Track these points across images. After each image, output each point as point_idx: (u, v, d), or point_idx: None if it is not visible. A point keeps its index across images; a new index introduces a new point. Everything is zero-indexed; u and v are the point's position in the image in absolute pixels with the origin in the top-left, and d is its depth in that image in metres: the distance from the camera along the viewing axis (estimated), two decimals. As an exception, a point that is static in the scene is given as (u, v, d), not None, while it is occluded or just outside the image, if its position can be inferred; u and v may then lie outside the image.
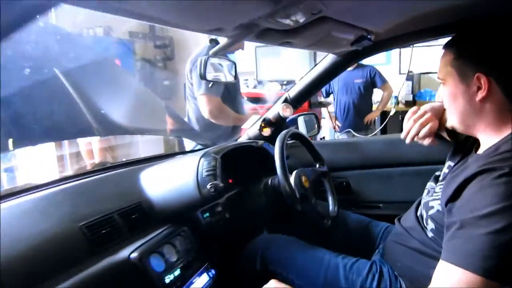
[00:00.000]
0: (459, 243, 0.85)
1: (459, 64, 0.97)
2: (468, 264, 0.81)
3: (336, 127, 3.97)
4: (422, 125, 1.18)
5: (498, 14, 1.07)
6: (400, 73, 4.90)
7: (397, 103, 4.41)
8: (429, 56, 4.53)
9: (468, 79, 0.96)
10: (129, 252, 1.03)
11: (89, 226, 1.01)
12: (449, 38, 1.05)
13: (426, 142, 1.20)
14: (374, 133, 3.06)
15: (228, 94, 2.33)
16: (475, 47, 0.96)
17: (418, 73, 4.80)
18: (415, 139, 1.21)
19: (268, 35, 1.01)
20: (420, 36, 1.32)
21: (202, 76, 1.09)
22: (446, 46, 1.02)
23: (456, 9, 1.09)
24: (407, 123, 1.22)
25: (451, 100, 1.01)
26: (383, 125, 2.17)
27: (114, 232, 1.06)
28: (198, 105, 2.31)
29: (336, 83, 3.89)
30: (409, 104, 4.51)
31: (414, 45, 1.67)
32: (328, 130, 4.56)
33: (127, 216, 1.11)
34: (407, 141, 1.20)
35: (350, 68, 3.75)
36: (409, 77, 4.53)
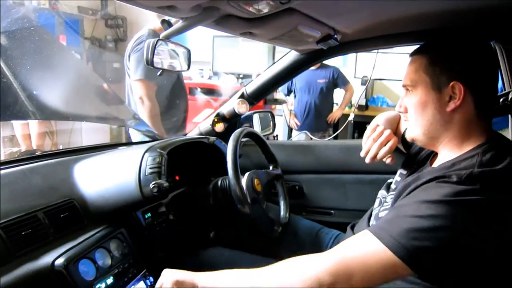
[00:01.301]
0: (384, 219, 0.87)
1: (434, 70, 0.94)
2: (383, 236, 0.81)
3: (295, 125, 3.95)
4: (382, 144, 1.14)
5: (467, 26, 1.06)
6: (355, 77, 4.98)
7: (351, 106, 4.49)
8: (384, 62, 4.65)
9: (441, 87, 0.92)
10: (54, 257, 0.92)
11: (6, 226, 0.89)
12: (415, 46, 1.02)
13: (387, 161, 1.15)
14: (331, 137, 3.06)
15: (175, 85, 2.25)
16: (453, 53, 0.94)
17: (372, 79, 4.91)
18: (375, 159, 1.17)
19: (229, 22, 0.93)
20: (387, 41, 1.31)
21: (149, 62, 0.99)
22: (418, 52, 0.98)
23: (427, 17, 1.07)
24: (366, 142, 1.18)
25: (419, 109, 0.97)
26: (340, 130, 2.16)
27: (37, 233, 0.95)
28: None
29: (298, 81, 3.86)
30: (361, 108, 4.60)
31: (379, 50, 1.65)
32: (282, 129, 4.54)
33: (54, 215, 1.00)
34: (367, 161, 1.17)
35: (313, 68, 3.74)
36: (364, 81, 4.63)
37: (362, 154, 1.18)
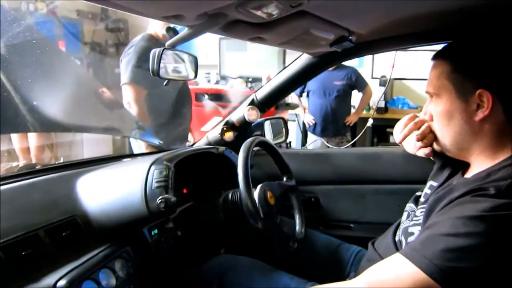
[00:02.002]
0: (417, 240, 0.86)
1: (457, 77, 0.92)
2: (416, 258, 0.80)
3: (311, 122, 3.94)
4: (424, 134, 1.07)
5: (492, 24, 1.04)
6: (372, 77, 4.97)
7: (369, 109, 4.48)
8: (404, 60, 4.63)
9: (467, 95, 0.91)
10: (56, 279, 0.92)
11: (6, 246, 0.90)
12: (440, 46, 1.01)
13: (425, 151, 1.08)
14: (349, 144, 3.05)
15: (181, 92, 2.30)
16: (478, 58, 0.92)
17: (392, 79, 4.88)
18: (413, 150, 1.14)
19: (237, 28, 0.95)
20: (406, 41, 1.30)
21: (155, 72, 1.02)
22: (440, 56, 0.97)
23: (449, 15, 1.06)
24: (403, 129, 1.14)
25: (445, 119, 0.96)
26: (359, 136, 2.15)
27: (38, 253, 0.95)
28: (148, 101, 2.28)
29: (312, 83, 3.85)
30: (380, 111, 4.56)
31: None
32: (295, 135, 4.54)
33: (56, 233, 1.01)
34: (399, 139, 1.14)
35: (329, 68, 3.72)
36: (382, 82, 4.59)
37: (397, 138, 1.15)
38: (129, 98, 2.25)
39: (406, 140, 1.13)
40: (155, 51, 0.99)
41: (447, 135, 0.97)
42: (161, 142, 1.86)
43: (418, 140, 1.06)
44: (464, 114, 0.92)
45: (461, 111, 0.92)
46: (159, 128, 2.32)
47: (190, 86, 2.84)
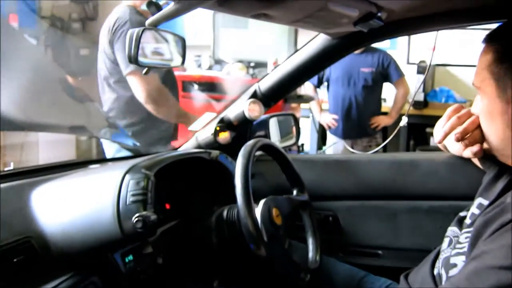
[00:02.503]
0: (461, 274, 0.89)
1: (499, 70, 0.93)
2: None
3: (331, 124, 3.93)
4: (466, 131, 1.07)
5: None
6: (408, 63, 4.98)
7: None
8: (449, 41, 4.59)
9: (508, 94, 0.92)
10: None
11: None
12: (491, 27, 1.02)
13: (473, 149, 1.07)
14: (378, 148, 3.03)
15: (165, 81, 2.35)
16: None
17: (433, 65, 4.86)
18: (457, 150, 1.16)
19: (236, 2, 0.95)
20: (450, 19, 1.30)
21: (132, 58, 1.05)
22: (489, 39, 0.98)
23: None
24: (444, 123, 1.15)
25: (487, 119, 0.98)
26: (390, 138, 2.14)
27: None
28: (120, 91, 2.31)
29: (333, 69, 3.85)
30: (418, 106, 4.56)
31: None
32: (309, 136, 4.54)
33: (5, 259, 1.02)
34: (439, 139, 1.15)
35: (356, 52, 3.62)
36: (421, 69, 4.52)
37: (437, 138, 1.17)
38: (145, 88, 2.24)
39: (448, 137, 1.13)
40: (132, 32, 1.00)
41: (490, 137, 0.99)
42: (137, 144, 1.86)
43: (457, 140, 1.07)
44: (505, 117, 0.94)
45: (502, 114, 0.94)
46: (136, 126, 2.31)
47: (176, 73, 2.84)
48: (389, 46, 4.80)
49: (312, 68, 1.63)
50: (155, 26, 0.98)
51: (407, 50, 5.08)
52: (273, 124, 1.79)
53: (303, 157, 1.92)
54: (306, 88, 4.16)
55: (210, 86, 4.06)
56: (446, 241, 1.18)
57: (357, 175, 1.73)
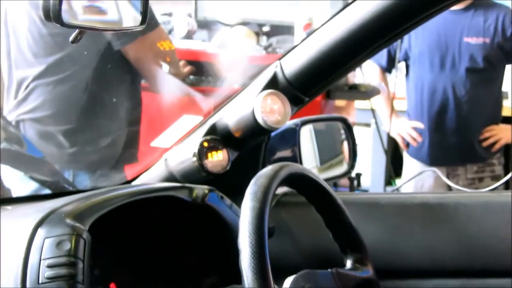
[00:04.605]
0: None
1: None
2: None
3: (412, 138, 2.81)
4: None
5: None
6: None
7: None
8: None
9: None
10: None
11: None
12: None
13: None
14: (496, 185, 2.11)
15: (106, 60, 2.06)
16: None
17: None
18: None
19: None
20: None
21: (55, 16, 0.82)
22: None
23: None
24: None
25: None
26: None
27: None
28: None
29: (416, 40, 2.71)
30: None
31: None
32: (371, 157, 3.77)
33: None
34: None
35: (455, 7, 2.53)
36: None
37: None
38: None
39: None
40: None
41: None
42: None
43: None
44: None
45: None
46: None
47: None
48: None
49: (375, 38, 1.17)
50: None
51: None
52: (308, 137, 1.44)
53: (362, 198, 1.56)
54: (367, 73, 3.08)
55: (191, 68, 2.63)
56: None
57: (462, 232, 1.36)
